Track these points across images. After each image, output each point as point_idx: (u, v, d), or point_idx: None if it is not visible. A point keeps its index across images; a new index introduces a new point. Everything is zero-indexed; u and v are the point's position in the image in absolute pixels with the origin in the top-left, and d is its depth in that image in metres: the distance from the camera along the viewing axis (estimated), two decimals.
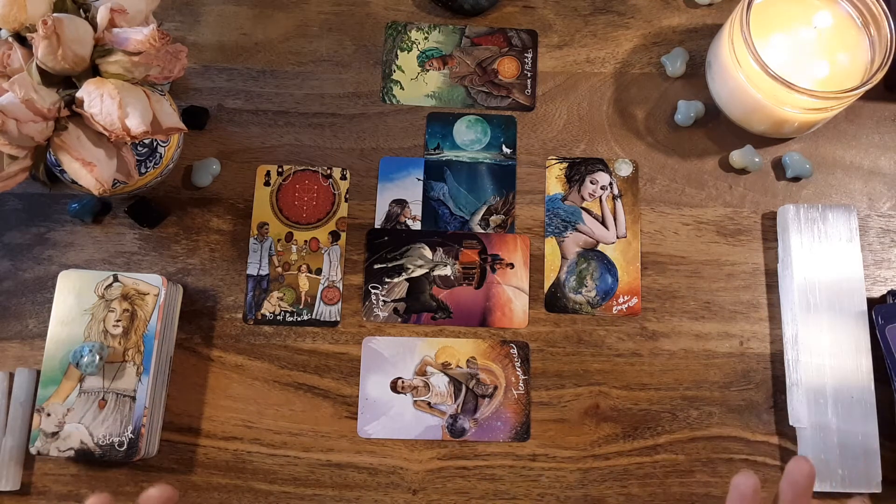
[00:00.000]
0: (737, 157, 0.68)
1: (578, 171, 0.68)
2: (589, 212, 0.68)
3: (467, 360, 0.64)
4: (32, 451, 0.57)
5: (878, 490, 0.59)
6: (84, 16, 0.51)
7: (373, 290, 0.65)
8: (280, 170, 0.68)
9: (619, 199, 0.68)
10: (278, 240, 0.66)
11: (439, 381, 0.64)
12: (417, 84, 0.70)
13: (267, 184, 0.68)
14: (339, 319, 0.65)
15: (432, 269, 0.66)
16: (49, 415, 0.57)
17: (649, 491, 0.62)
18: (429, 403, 0.63)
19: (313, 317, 0.65)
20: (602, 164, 0.69)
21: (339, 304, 0.65)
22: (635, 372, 0.64)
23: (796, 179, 0.69)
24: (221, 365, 0.64)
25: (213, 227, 0.67)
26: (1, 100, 0.49)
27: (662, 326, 0.65)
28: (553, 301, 0.66)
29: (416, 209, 0.67)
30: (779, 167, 0.69)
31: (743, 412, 0.63)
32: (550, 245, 0.67)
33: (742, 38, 0.61)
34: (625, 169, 0.69)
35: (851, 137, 0.70)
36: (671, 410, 0.63)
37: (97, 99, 0.50)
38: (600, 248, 0.67)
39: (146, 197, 0.66)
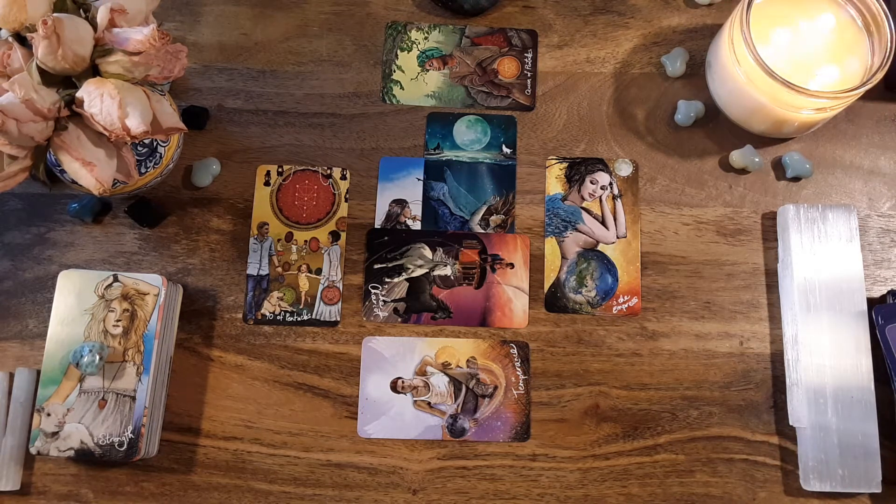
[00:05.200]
0: (737, 157, 0.68)
1: (578, 171, 0.68)
2: (589, 212, 0.68)
3: (467, 360, 0.64)
4: (32, 451, 0.57)
5: (878, 490, 0.59)
6: (84, 16, 0.51)
7: (373, 290, 0.65)
8: (280, 170, 0.68)
9: (619, 199, 0.68)
10: (278, 240, 0.66)
11: (439, 381, 0.64)
12: (417, 84, 0.70)
13: (267, 184, 0.68)
14: (339, 319, 0.65)
15: (432, 269, 0.66)
16: (49, 415, 0.57)
17: (649, 491, 0.62)
18: (429, 403, 0.63)
19: (313, 317, 0.65)
20: (602, 164, 0.69)
21: (339, 304, 0.65)
22: (635, 372, 0.64)
23: (796, 179, 0.69)
24: (221, 365, 0.64)
25: (213, 227, 0.67)
26: (1, 100, 0.49)
27: (662, 326, 0.65)
28: (553, 301, 0.66)
29: (416, 209, 0.67)
30: (779, 167, 0.69)
31: (743, 412, 0.63)
32: (550, 245, 0.67)
33: (742, 38, 0.61)
34: (625, 169, 0.69)
35: (851, 137, 0.70)
36: (671, 410, 0.63)
37: (97, 99, 0.50)
38: (600, 248, 0.67)
39: (146, 197, 0.66)
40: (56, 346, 0.58)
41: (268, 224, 0.66)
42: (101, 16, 0.51)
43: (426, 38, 0.72)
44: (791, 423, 0.62)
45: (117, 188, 0.62)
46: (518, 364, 0.64)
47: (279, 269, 0.66)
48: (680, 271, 0.66)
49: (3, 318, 0.64)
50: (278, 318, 0.65)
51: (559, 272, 0.66)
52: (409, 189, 0.68)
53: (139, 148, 0.62)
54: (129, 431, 0.57)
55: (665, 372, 0.64)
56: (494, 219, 0.67)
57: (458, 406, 0.63)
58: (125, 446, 0.57)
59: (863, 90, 0.61)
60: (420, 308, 0.65)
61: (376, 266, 0.66)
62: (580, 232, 0.67)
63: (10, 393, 0.62)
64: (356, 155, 0.69)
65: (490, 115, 0.70)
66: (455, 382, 0.64)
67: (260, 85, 0.70)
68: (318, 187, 0.68)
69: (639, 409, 0.63)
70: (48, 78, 0.51)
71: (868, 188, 0.69)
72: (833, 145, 0.70)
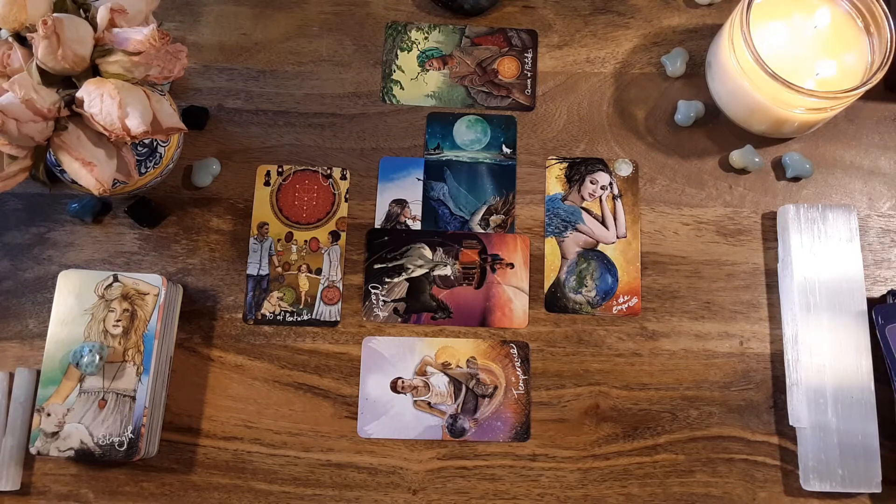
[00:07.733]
0: (737, 157, 0.68)
1: (578, 171, 0.68)
2: (589, 212, 0.68)
3: (467, 360, 0.64)
4: (32, 451, 0.57)
5: (878, 490, 0.59)
6: (84, 16, 0.51)
7: (373, 290, 0.65)
8: (280, 170, 0.68)
9: (619, 199, 0.68)
10: (278, 240, 0.66)
11: (439, 381, 0.64)
12: (417, 84, 0.70)
13: (267, 184, 0.68)
14: (339, 319, 0.65)
15: (432, 269, 0.66)
16: (49, 415, 0.57)
17: (649, 491, 0.62)
18: (429, 403, 0.63)
19: (313, 317, 0.65)
20: (602, 164, 0.69)
21: (339, 304, 0.65)
22: (635, 372, 0.64)
23: (796, 179, 0.69)
24: (221, 365, 0.64)
25: (213, 227, 0.67)
26: (1, 100, 0.49)
27: (662, 326, 0.65)
28: (553, 301, 0.66)
29: (416, 209, 0.67)
30: (779, 167, 0.69)
31: (743, 412, 0.63)
32: (550, 245, 0.67)
33: (742, 38, 0.61)
34: (625, 169, 0.69)
35: (851, 137, 0.70)
36: (671, 410, 0.63)
37: (97, 99, 0.50)
38: (600, 248, 0.67)
39: (146, 197, 0.66)
40: (56, 346, 0.58)
41: (268, 224, 0.66)
42: (101, 16, 0.51)
43: (426, 38, 0.72)
44: (791, 423, 0.62)
45: (117, 188, 0.62)
46: (518, 364, 0.64)
47: (279, 269, 0.66)
48: (680, 271, 0.66)
49: (3, 318, 0.64)
50: (278, 318, 0.65)
51: (559, 272, 0.66)
52: (409, 189, 0.68)
53: (139, 148, 0.62)
54: (129, 431, 0.57)
55: (665, 372, 0.64)
56: (494, 219, 0.67)
57: (458, 406, 0.63)
58: (125, 446, 0.57)
59: (863, 90, 0.61)
60: (420, 308, 0.65)
61: (376, 266, 0.66)
62: (580, 232, 0.67)
63: (10, 393, 0.62)
64: (356, 155, 0.69)
65: (490, 115, 0.70)
66: (455, 382, 0.64)
67: (260, 85, 0.70)
68: (318, 187, 0.68)
69: (639, 409, 0.63)
70: (48, 78, 0.51)
71: (868, 188, 0.69)
72: (833, 145, 0.70)
